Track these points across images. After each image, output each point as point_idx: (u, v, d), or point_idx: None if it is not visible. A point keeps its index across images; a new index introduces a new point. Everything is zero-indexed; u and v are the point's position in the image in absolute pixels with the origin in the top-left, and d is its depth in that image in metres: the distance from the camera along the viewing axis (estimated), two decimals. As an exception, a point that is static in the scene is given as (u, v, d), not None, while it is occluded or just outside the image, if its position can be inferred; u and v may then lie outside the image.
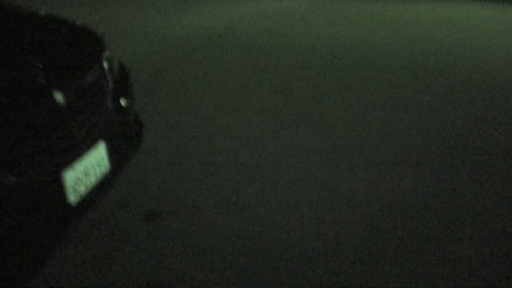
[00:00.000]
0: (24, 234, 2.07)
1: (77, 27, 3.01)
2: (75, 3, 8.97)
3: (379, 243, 2.56)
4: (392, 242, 2.56)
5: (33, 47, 2.57)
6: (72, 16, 7.54)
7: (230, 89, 4.71)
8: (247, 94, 4.57)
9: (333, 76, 5.26)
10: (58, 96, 2.17)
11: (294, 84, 4.93)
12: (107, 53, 2.78)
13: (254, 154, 3.46)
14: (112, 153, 2.49)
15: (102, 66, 2.66)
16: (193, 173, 3.20)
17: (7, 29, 2.73)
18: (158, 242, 2.56)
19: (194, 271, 2.34)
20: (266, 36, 6.92)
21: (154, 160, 3.35)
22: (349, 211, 2.82)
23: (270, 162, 3.36)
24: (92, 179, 2.34)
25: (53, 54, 2.54)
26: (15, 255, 2.04)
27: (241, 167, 3.27)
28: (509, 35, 7.60)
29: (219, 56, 5.91)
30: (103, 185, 2.46)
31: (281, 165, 3.31)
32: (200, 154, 3.45)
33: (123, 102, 2.75)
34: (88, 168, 2.30)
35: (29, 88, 2.16)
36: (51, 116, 2.14)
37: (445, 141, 3.74)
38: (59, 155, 2.14)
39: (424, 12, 9.28)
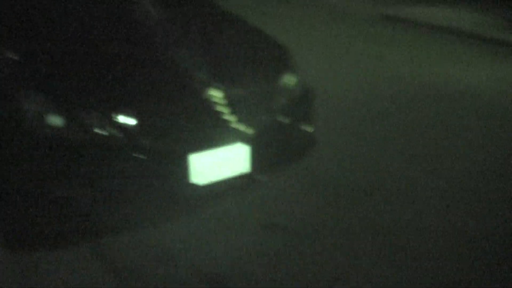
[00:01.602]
0: (148, 196, 2.62)
1: (272, 42, 3.41)
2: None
3: None
4: None
5: (218, 47, 3.16)
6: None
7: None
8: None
9: None
10: (211, 93, 2.64)
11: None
12: (288, 72, 3.11)
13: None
14: (256, 158, 2.81)
15: (275, 81, 3.01)
16: (343, 202, 3.27)
17: (201, 28, 3.41)
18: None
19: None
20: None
21: (311, 182, 3.51)
22: None
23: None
24: (223, 172, 2.71)
25: (237, 58, 3.06)
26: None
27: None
28: None
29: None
30: (237, 182, 2.82)
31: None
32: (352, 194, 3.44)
33: (290, 118, 3.02)
34: (222, 161, 2.69)
35: (186, 81, 2.71)
36: (196, 107, 2.64)
37: None
38: (190, 140, 2.60)
39: None
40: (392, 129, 4.55)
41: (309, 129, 3.23)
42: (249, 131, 2.76)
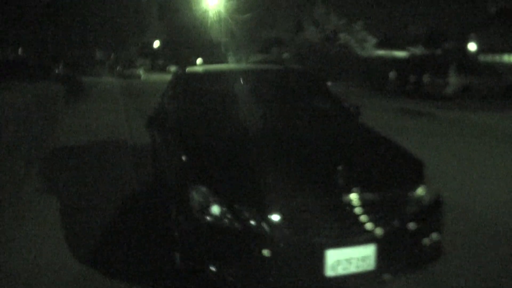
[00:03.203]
0: (286, 279, 3.00)
1: (406, 155, 3.75)
2: None
3: None
4: None
5: (357, 156, 3.67)
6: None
7: None
8: None
9: None
10: (349, 196, 3.04)
11: None
12: (420, 183, 3.38)
13: None
14: (381, 259, 3.07)
15: (407, 189, 3.30)
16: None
17: (350, 141, 3.99)
18: None
19: None
20: None
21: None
22: None
23: None
24: (353, 268, 3.02)
25: (375, 167, 3.48)
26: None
27: None
28: None
29: None
30: (363, 279, 3.10)
31: None
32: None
33: (419, 226, 3.24)
34: (352, 258, 3.01)
35: (329, 183, 3.16)
36: (335, 206, 3.03)
37: None
38: (328, 236, 2.98)
39: None
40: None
41: (437, 238, 3.41)
42: (379, 233, 3.06)
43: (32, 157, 6.48)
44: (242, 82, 4.87)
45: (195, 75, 5.08)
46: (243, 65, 6.67)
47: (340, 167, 3.36)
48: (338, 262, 2.98)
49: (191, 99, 4.55)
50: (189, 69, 5.25)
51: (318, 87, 5.21)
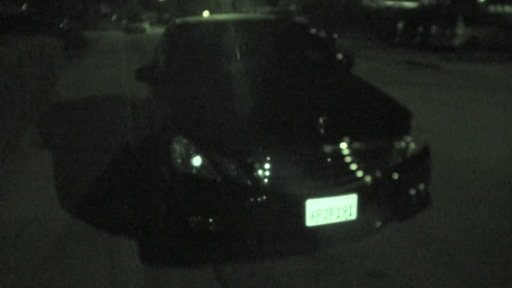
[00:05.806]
0: (267, 230, 3.02)
1: (395, 105, 3.70)
2: None
3: None
4: None
5: (343, 105, 3.62)
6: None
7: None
8: None
9: None
10: (332, 146, 3.01)
11: None
12: (407, 132, 3.34)
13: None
14: (364, 209, 3.08)
15: (394, 139, 3.25)
16: None
17: (335, 91, 3.92)
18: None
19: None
20: None
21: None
22: None
23: None
24: (334, 217, 3.03)
25: (361, 116, 3.44)
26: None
27: None
28: None
29: None
30: (345, 228, 3.12)
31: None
32: None
33: (405, 176, 3.21)
34: (333, 208, 3.01)
35: (313, 132, 3.13)
36: (318, 156, 3.00)
37: None
38: (309, 186, 2.97)
39: None
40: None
41: (423, 188, 3.39)
42: (362, 183, 3.05)
43: (28, 112, 6.49)
44: (231, 33, 4.77)
45: (184, 26, 4.98)
46: (235, 15, 6.53)
47: (324, 117, 3.31)
48: (319, 212, 2.99)
49: (179, 51, 4.48)
50: (178, 20, 5.15)
51: (310, 38, 5.11)
